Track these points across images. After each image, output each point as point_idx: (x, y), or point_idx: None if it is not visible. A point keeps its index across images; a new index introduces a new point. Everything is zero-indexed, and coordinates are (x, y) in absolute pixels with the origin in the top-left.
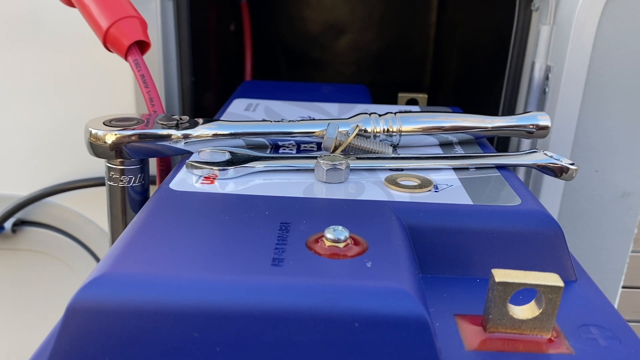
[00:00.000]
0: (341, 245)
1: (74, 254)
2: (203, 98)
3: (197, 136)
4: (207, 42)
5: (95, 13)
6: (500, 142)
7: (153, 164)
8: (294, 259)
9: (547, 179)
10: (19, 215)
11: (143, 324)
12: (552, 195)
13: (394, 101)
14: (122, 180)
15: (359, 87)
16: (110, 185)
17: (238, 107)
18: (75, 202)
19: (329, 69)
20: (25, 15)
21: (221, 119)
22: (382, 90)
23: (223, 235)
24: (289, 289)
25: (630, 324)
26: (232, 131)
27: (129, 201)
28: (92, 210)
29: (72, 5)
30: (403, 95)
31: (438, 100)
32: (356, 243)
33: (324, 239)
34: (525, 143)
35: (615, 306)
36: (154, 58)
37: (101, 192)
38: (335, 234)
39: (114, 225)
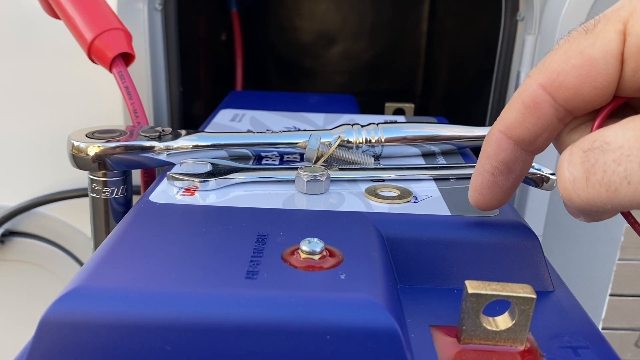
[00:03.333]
0: (316, 257)
1: (63, 264)
2: (193, 108)
3: (177, 148)
4: (197, 52)
5: (79, 25)
6: None
7: (137, 174)
8: (268, 272)
9: (533, 189)
10: (7, 225)
11: (115, 338)
12: (538, 205)
13: (383, 110)
14: (104, 192)
15: (346, 97)
16: (93, 197)
17: (224, 117)
18: (64, 213)
19: (320, 78)
20: (15, 24)
21: (206, 129)
22: (373, 100)
23: (199, 247)
24: (262, 302)
25: (617, 331)
26: (213, 142)
27: (112, 213)
28: (81, 220)
29: (57, 17)
30: (390, 105)
31: (429, 110)
32: (332, 255)
33: (299, 251)
34: None
35: (603, 314)
36: (141, 69)
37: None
38: (310, 246)
39: (97, 236)
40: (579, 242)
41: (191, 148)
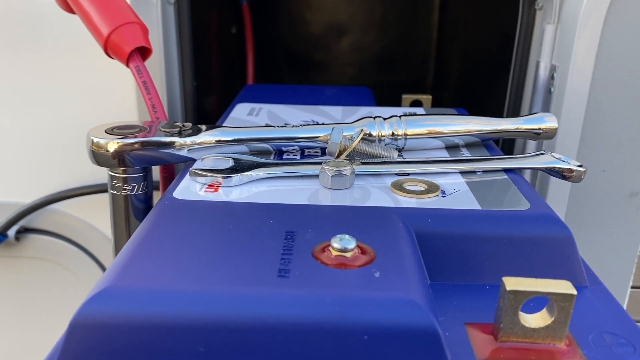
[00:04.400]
0: (348, 254)
1: (78, 261)
2: (205, 102)
3: (200, 143)
4: (208, 46)
5: (95, 20)
6: (505, 143)
7: (156, 170)
8: (300, 270)
9: (554, 181)
10: (22, 222)
11: (147, 339)
12: (558, 197)
13: (397, 102)
14: (125, 189)
15: (362, 89)
16: (113, 194)
17: (241, 112)
18: (79, 209)
19: (331, 70)
20: (29, 20)
21: (224, 124)
22: (385, 92)
23: (228, 245)
24: (296, 301)
25: (639, 324)
26: (236, 137)
27: (132, 210)
28: (96, 217)
29: (72, 12)
30: (407, 97)
31: (441, 101)
32: (363, 252)
33: (330, 248)
34: (531, 144)
35: (624, 306)
36: (155, 63)
37: (105, 199)
38: (342, 243)
39: (117, 234)
40: (599, 234)
41: (214, 143)
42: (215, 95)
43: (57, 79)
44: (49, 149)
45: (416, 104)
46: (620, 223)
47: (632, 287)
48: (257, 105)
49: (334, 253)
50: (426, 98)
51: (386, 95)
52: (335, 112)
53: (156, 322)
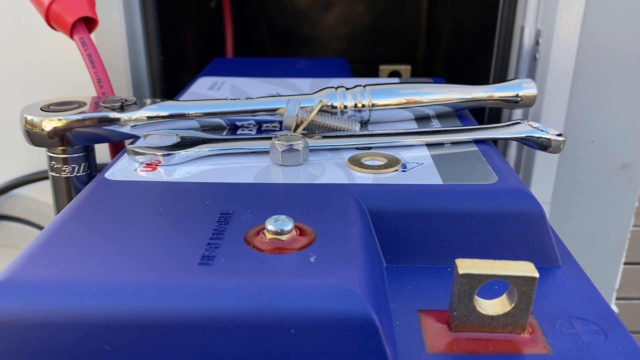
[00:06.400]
0: (284, 237)
1: None
2: (181, 79)
3: (136, 119)
4: (182, 20)
5: None
6: (492, 113)
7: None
8: (227, 256)
9: (541, 152)
10: None
11: (46, 338)
12: (546, 170)
13: (378, 75)
14: (64, 170)
15: (337, 61)
16: (53, 176)
17: (202, 86)
18: (46, 193)
19: (318, 45)
20: None
21: (180, 99)
22: (374, 66)
23: (152, 230)
24: (214, 292)
25: (632, 301)
26: (172, 112)
27: (74, 193)
28: None
29: None
30: (385, 68)
31: (432, 74)
32: (302, 234)
33: (265, 231)
34: (517, 113)
35: (617, 284)
36: (117, 38)
37: None
38: (277, 224)
39: None
40: (590, 209)
41: (146, 119)
42: (191, 71)
43: (17, 61)
44: (10, 131)
45: (395, 74)
46: (611, 196)
47: (625, 264)
48: (220, 79)
49: (269, 236)
50: (405, 68)
51: (376, 69)
52: (304, 84)
53: (54, 318)
